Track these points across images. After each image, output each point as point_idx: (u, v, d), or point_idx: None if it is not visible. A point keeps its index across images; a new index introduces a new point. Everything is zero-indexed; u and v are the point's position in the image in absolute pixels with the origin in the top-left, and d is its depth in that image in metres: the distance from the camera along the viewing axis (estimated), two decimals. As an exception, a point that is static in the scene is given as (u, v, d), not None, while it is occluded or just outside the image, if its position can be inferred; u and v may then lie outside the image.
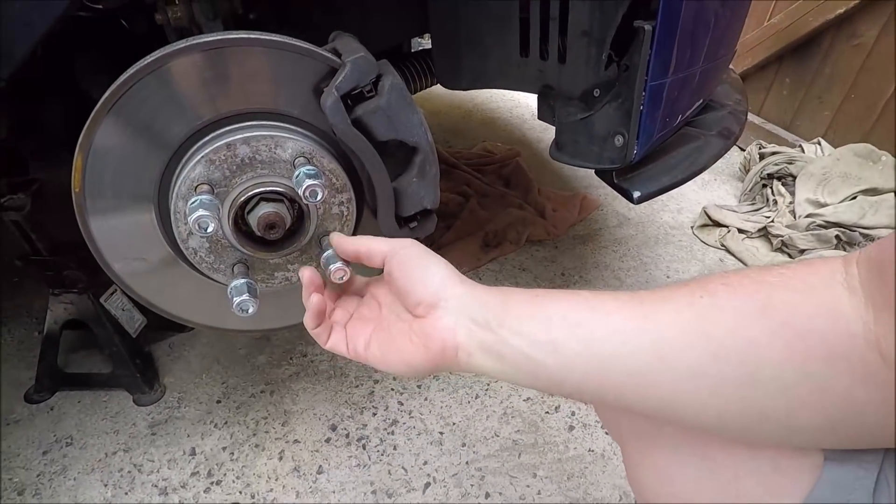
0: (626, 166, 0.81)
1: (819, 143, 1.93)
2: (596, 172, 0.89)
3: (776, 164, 1.85)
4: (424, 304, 0.46)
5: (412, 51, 1.29)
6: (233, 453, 1.05)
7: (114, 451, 1.05)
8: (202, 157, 0.59)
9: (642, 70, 0.71)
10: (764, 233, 1.67)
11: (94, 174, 0.61)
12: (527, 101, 2.63)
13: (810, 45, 2.02)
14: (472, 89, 0.92)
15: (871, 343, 0.31)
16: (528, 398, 1.17)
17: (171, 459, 1.03)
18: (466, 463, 1.04)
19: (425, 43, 2.13)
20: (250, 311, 0.60)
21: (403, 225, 0.70)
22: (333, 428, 1.10)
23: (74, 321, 1.10)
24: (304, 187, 0.57)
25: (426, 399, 1.16)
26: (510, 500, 0.98)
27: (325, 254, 0.61)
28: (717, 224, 1.72)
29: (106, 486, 0.99)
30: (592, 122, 0.80)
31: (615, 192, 0.89)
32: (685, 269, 1.60)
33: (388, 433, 1.09)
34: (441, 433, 1.09)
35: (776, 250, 1.61)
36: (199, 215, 0.55)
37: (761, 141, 2.08)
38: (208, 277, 0.67)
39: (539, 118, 0.90)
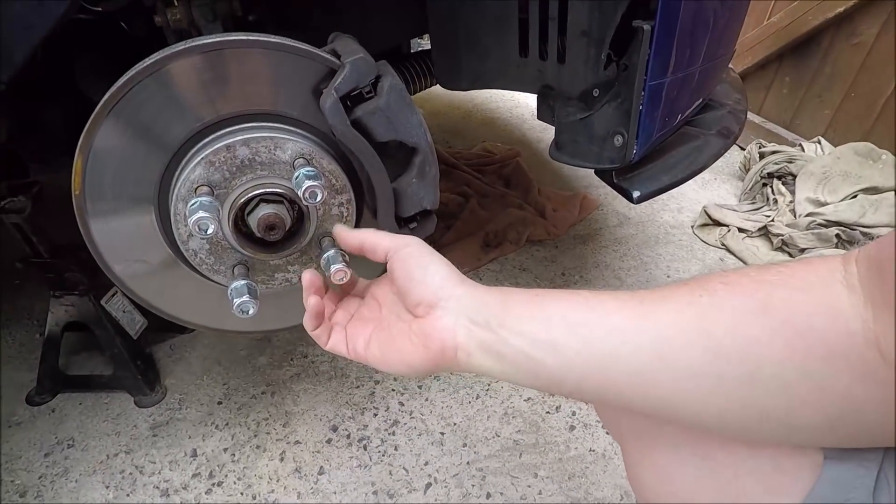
0: (626, 166, 0.82)
1: (819, 142, 1.93)
2: (595, 172, 0.89)
3: (776, 163, 1.85)
4: (424, 304, 0.46)
5: (411, 51, 1.29)
6: (234, 454, 1.05)
7: (115, 453, 1.05)
8: (202, 158, 0.60)
9: (641, 70, 0.71)
10: (764, 232, 1.67)
11: (95, 176, 0.61)
12: (526, 101, 2.63)
13: (810, 43, 2.02)
14: (472, 90, 0.92)
15: (870, 341, 0.31)
16: (529, 398, 1.16)
17: (173, 461, 1.04)
18: (467, 463, 1.04)
19: (424, 44, 2.13)
20: (251, 312, 0.60)
21: (403, 225, 0.70)
22: (334, 429, 1.10)
23: (75, 323, 1.10)
24: (303, 188, 0.57)
25: (427, 399, 1.16)
26: (511, 501, 0.98)
27: (325, 255, 0.61)
28: (718, 223, 1.72)
29: (107, 487, 0.99)
30: (592, 121, 0.80)
31: (615, 192, 0.89)
32: (686, 268, 1.60)
33: (389, 434, 1.09)
34: (442, 433, 1.10)
35: (776, 249, 1.61)
36: (199, 217, 0.55)
37: (761, 140, 2.08)
38: (209, 279, 0.67)
39: (538, 118, 0.90)
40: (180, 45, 0.58)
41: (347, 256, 0.61)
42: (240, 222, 0.63)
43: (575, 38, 0.74)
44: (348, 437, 1.09)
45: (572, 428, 1.11)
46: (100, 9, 0.69)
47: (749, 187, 1.89)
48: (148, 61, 0.57)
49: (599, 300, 0.41)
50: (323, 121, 0.60)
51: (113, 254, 0.67)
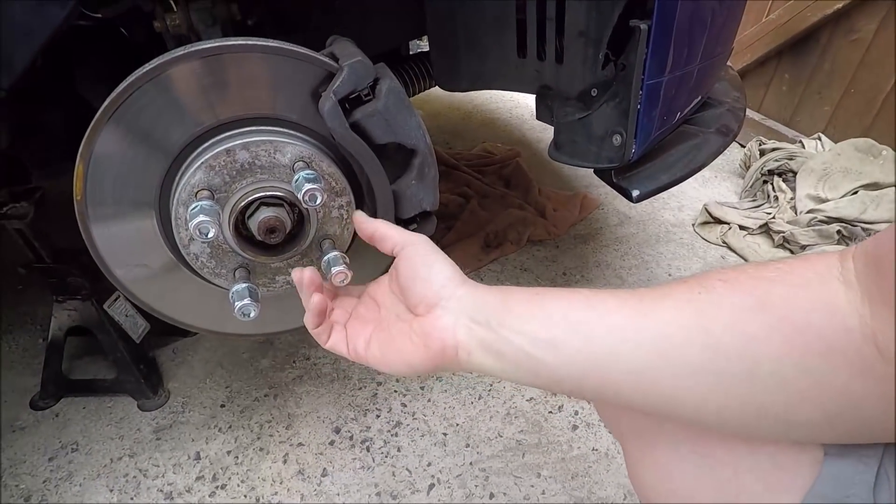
0: (625, 165, 0.82)
1: (819, 139, 1.93)
2: (595, 172, 0.89)
3: (776, 161, 1.85)
4: (425, 303, 0.46)
5: (410, 54, 1.30)
6: (237, 457, 1.05)
7: (119, 457, 1.05)
8: (202, 163, 0.60)
9: (639, 69, 0.71)
10: (765, 229, 1.66)
11: (96, 182, 0.61)
12: (526, 102, 2.63)
13: (809, 40, 2.02)
14: (471, 91, 0.92)
15: (868, 337, 0.31)
16: (532, 398, 1.17)
17: (176, 464, 1.04)
18: (470, 464, 1.04)
19: (423, 45, 2.13)
20: (252, 315, 0.60)
21: (403, 227, 0.70)
22: (337, 430, 1.10)
23: (78, 328, 1.11)
24: (303, 191, 0.57)
25: (429, 400, 1.17)
26: (514, 500, 0.98)
27: (325, 257, 0.62)
28: (719, 221, 1.72)
29: (112, 491, 0.99)
30: (590, 121, 0.80)
31: (615, 191, 0.89)
32: (687, 266, 1.60)
33: (391, 435, 1.09)
34: (445, 434, 1.10)
35: (778, 246, 1.61)
36: (200, 221, 0.55)
37: (761, 137, 2.08)
38: (210, 282, 0.67)
39: (537, 118, 0.90)
40: (180, 51, 0.58)
41: (348, 259, 0.62)
42: (240, 226, 0.64)
43: (572, 39, 0.74)
44: (351, 438, 1.09)
45: (575, 427, 1.11)
46: (99, 15, 0.70)
47: (750, 185, 1.89)
48: (147, 67, 0.58)
49: (599, 299, 0.41)
50: (322, 124, 0.61)
51: (115, 258, 0.67)
